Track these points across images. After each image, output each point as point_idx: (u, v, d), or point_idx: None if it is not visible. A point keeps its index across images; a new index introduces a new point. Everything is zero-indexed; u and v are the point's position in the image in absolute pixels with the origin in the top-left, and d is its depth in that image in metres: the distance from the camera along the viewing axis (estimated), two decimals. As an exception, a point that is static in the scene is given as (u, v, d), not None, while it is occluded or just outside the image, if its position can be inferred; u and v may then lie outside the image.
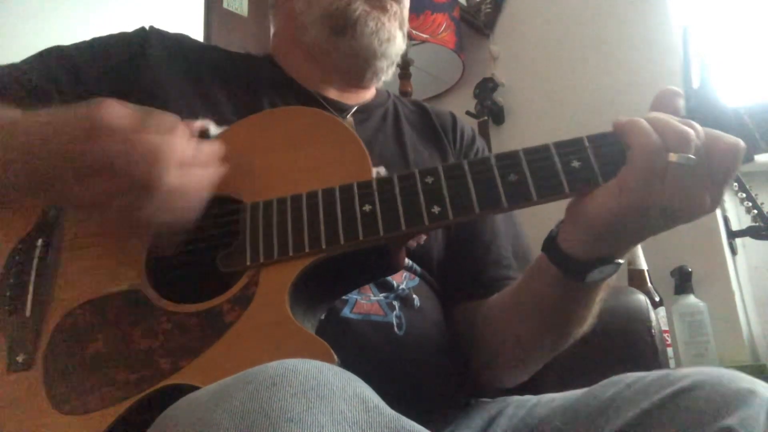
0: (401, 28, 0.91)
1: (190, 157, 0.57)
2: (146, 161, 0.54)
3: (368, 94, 0.96)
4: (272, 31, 0.99)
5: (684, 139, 0.55)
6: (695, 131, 0.56)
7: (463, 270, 0.87)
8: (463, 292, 0.86)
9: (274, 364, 0.43)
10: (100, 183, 0.55)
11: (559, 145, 0.59)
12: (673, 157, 0.55)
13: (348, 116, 0.89)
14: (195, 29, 1.93)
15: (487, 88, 2.15)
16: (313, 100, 0.88)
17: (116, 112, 0.56)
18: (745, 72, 1.75)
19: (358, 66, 0.90)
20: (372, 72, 0.91)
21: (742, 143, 0.56)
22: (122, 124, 0.55)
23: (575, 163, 0.58)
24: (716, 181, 0.57)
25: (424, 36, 2.05)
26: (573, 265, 0.63)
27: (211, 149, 0.61)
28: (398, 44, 0.90)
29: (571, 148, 0.59)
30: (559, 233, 0.64)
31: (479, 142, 1.01)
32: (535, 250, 0.94)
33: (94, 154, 0.55)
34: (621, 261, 0.63)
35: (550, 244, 0.65)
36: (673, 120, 0.57)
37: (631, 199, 0.56)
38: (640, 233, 0.61)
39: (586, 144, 0.59)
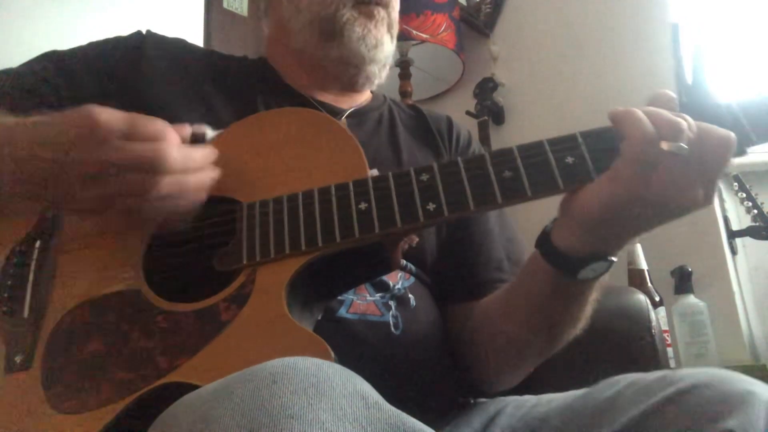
0: (389, 31, 0.91)
1: (181, 164, 0.58)
2: (138, 170, 0.56)
3: (363, 98, 0.96)
4: (265, 35, 0.99)
5: (676, 128, 0.56)
6: (687, 123, 0.57)
7: (454, 271, 0.86)
8: (456, 294, 0.86)
9: (274, 361, 0.43)
10: (95, 189, 0.57)
11: (552, 141, 0.59)
12: (665, 146, 0.55)
13: (342, 119, 0.89)
14: (195, 29, 1.93)
15: (487, 88, 2.15)
16: (307, 103, 0.88)
17: (105, 118, 0.57)
18: (738, 67, 1.76)
19: (349, 72, 0.90)
20: (365, 77, 0.92)
21: (733, 136, 0.57)
22: (112, 131, 0.56)
23: (569, 159, 0.58)
24: (709, 174, 0.57)
25: (424, 36, 2.04)
26: (566, 261, 0.63)
27: (203, 154, 0.62)
28: (386, 49, 0.91)
29: (564, 144, 0.59)
30: (553, 229, 0.64)
31: (475, 145, 1.01)
32: (530, 252, 0.95)
33: (88, 163, 0.56)
34: (614, 258, 0.63)
35: (544, 240, 0.65)
36: (665, 111, 0.58)
37: (624, 190, 0.56)
38: (633, 227, 0.61)
39: (580, 140, 0.59)
